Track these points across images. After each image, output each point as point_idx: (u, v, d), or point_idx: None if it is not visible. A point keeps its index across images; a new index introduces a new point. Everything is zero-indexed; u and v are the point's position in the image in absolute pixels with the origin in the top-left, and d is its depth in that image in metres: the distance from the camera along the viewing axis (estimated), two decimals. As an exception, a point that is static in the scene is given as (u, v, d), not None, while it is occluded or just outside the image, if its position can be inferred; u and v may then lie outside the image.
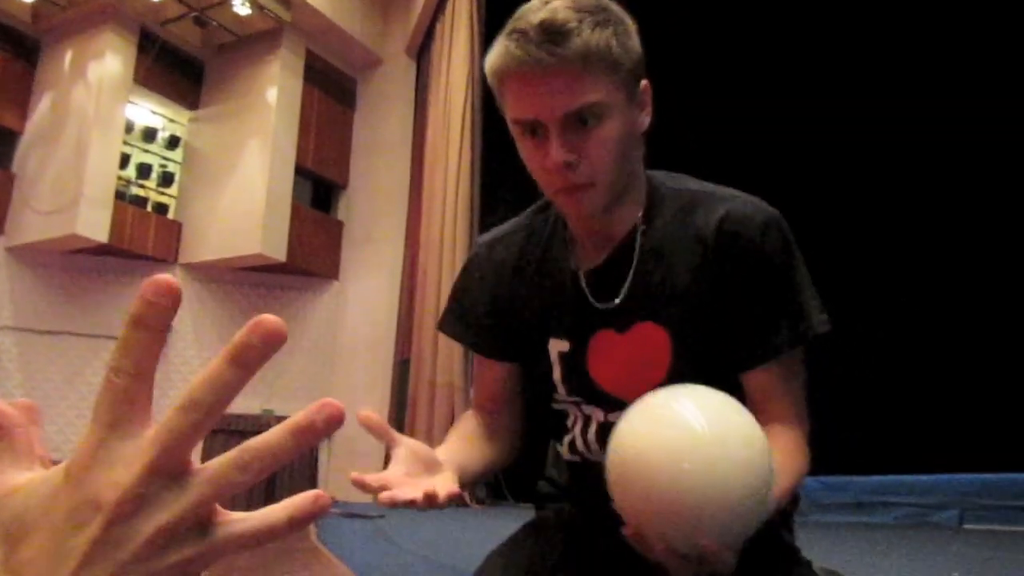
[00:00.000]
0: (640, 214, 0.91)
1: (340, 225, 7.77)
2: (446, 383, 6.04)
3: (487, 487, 5.67)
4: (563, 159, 0.80)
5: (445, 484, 0.72)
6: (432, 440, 6.06)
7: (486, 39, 4.89)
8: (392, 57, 7.75)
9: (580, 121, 0.80)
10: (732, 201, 0.89)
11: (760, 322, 0.86)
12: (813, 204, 4.44)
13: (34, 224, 6.54)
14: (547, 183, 0.86)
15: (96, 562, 0.26)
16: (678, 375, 0.86)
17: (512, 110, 0.83)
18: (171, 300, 0.27)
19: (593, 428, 0.95)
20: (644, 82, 0.86)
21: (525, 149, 0.85)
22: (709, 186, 0.93)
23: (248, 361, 0.27)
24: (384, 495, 0.66)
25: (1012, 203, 4.00)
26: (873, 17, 4.48)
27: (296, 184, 7.23)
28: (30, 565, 0.26)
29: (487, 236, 1.05)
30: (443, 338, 5.86)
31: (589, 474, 0.96)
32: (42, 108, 6.86)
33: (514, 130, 0.85)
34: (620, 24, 0.82)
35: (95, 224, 6.39)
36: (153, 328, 0.27)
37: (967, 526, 3.59)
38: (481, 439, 0.98)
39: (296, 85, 7.26)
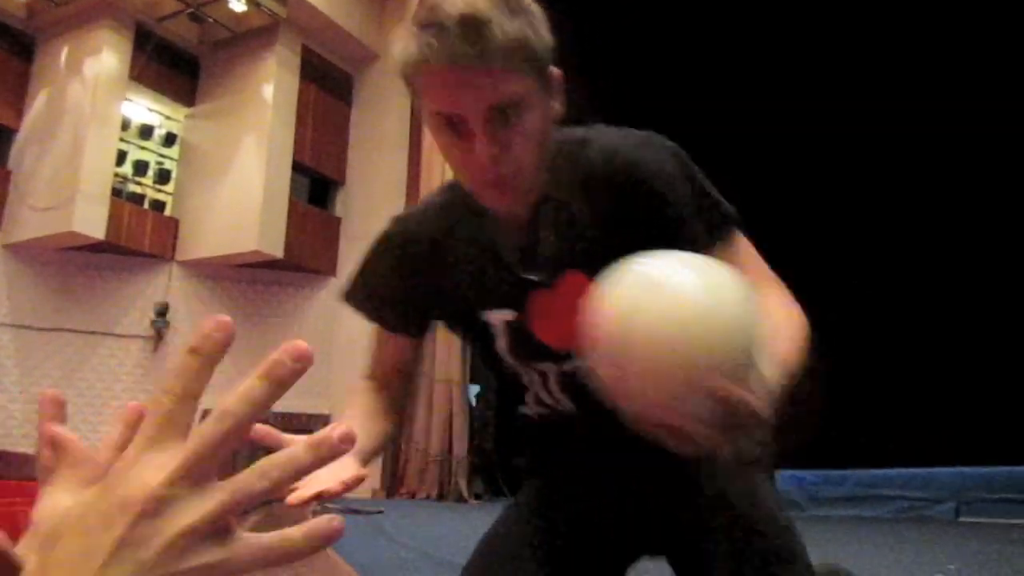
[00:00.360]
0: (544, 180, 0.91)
1: (337, 221, 7.75)
2: (444, 379, 6.06)
3: (484, 483, 5.68)
4: (489, 153, 0.80)
5: (344, 473, 0.72)
6: (430, 436, 6.06)
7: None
8: (389, 52, 7.72)
9: (502, 114, 0.80)
10: (604, 135, 0.91)
11: (680, 228, 0.86)
12: (811, 203, 4.45)
13: (31, 221, 6.53)
14: (470, 177, 0.85)
15: (120, 561, 0.27)
16: None
17: (432, 103, 0.82)
18: (226, 336, 0.30)
19: (553, 380, 0.96)
20: (556, 71, 0.85)
21: (443, 142, 0.84)
22: (580, 130, 0.93)
23: (279, 378, 0.30)
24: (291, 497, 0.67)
25: (1007, 200, 4.01)
26: (856, 15, 4.48)
27: (293, 180, 7.21)
28: (59, 567, 0.28)
29: (401, 213, 1.05)
30: (442, 336, 5.87)
31: (560, 425, 0.99)
32: (38, 105, 6.85)
33: (431, 122, 0.84)
34: (531, 13, 0.81)
35: (92, 221, 6.38)
36: (206, 355, 0.30)
37: (963, 519, 3.61)
38: (380, 414, 0.99)
39: (292, 81, 7.24)
